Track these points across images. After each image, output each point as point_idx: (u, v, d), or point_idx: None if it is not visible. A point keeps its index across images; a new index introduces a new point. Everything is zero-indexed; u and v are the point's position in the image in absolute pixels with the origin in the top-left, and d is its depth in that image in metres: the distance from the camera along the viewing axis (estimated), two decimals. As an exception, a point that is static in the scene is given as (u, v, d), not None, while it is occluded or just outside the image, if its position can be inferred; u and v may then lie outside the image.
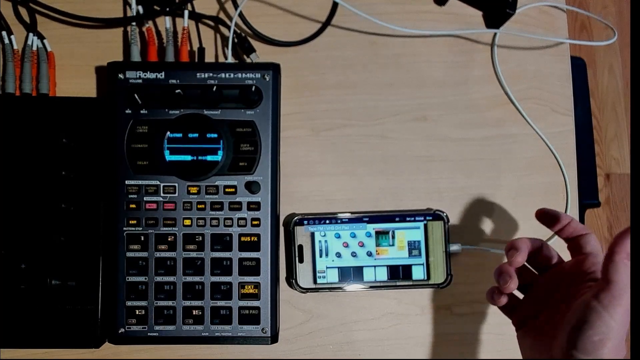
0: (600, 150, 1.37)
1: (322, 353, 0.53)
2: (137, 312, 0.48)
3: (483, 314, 0.54)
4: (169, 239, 0.48)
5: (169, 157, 0.48)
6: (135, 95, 0.48)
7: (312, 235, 0.52)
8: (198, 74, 0.49)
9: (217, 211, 0.48)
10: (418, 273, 0.52)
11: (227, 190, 0.49)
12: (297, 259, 0.51)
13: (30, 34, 0.52)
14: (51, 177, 0.48)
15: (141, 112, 0.48)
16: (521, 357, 0.43)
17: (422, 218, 0.52)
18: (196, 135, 0.48)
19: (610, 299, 0.36)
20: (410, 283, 0.52)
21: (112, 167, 0.48)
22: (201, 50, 0.52)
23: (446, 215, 0.52)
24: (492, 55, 0.57)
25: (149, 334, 0.48)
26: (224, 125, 0.49)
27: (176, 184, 0.48)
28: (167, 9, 0.52)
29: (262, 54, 0.54)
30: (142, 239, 0.48)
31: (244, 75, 0.49)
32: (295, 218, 0.52)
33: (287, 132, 0.53)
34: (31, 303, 0.48)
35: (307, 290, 0.52)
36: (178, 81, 0.49)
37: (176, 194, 0.48)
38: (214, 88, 0.48)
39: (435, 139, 0.55)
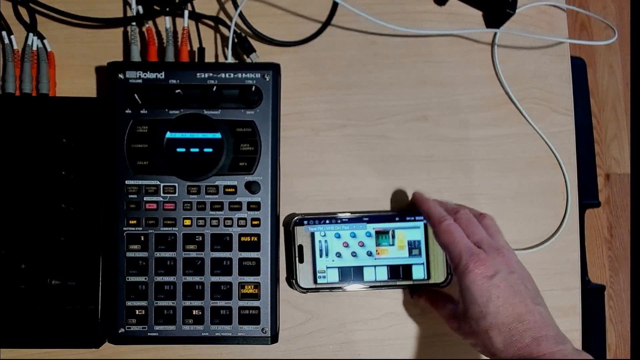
0: (600, 150, 1.37)
1: (322, 353, 0.53)
2: (137, 312, 0.48)
3: (483, 314, 0.53)
4: (169, 239, 0.48)
5: (168, 157, 0.48)
6: (135, 95, 0.48)
7: (312, 235, 0.52)
8: (198, 74, 0.49)
9: (217, 211, 0.48)
10: (418, 273, 0.52)
11: (227, 190, 0.48)
12: (297, 259, 0.51)
13: (30, 34, 0.52)
14: (51, 177, 0.48)
15: (141, 112, 0.48)
16: (523, 358, 0.43)
17: (422, 218, 0.52)
18: (196, 135, 0.48)
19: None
20: (411, 283, 0.52)
21: (112, 167, 0.48)
22: (201, 50, 0.52)
23: (446, 215, 0.52)
24: (492, 55, 0.57)
25: (149, 334, 0.48)
26: (224, 125, 0.49)
27: (176, 184, 0.48)
28: (167, 9, 0.52)
29: (262, 54, 0.54)
30: (142, 239, 0.48)
31: (244, 75, 0.49)
32: (295, 218, 0.52)
33: (287, 132, 0.53)
34: (31, 303, 0.48)
35: (307, 290, 0.52)
36: (178, 81, 0.49)
37: (176, 194, 0.48)
38: (214, 88, 0.48)
39: (435, 139, 0.55)
